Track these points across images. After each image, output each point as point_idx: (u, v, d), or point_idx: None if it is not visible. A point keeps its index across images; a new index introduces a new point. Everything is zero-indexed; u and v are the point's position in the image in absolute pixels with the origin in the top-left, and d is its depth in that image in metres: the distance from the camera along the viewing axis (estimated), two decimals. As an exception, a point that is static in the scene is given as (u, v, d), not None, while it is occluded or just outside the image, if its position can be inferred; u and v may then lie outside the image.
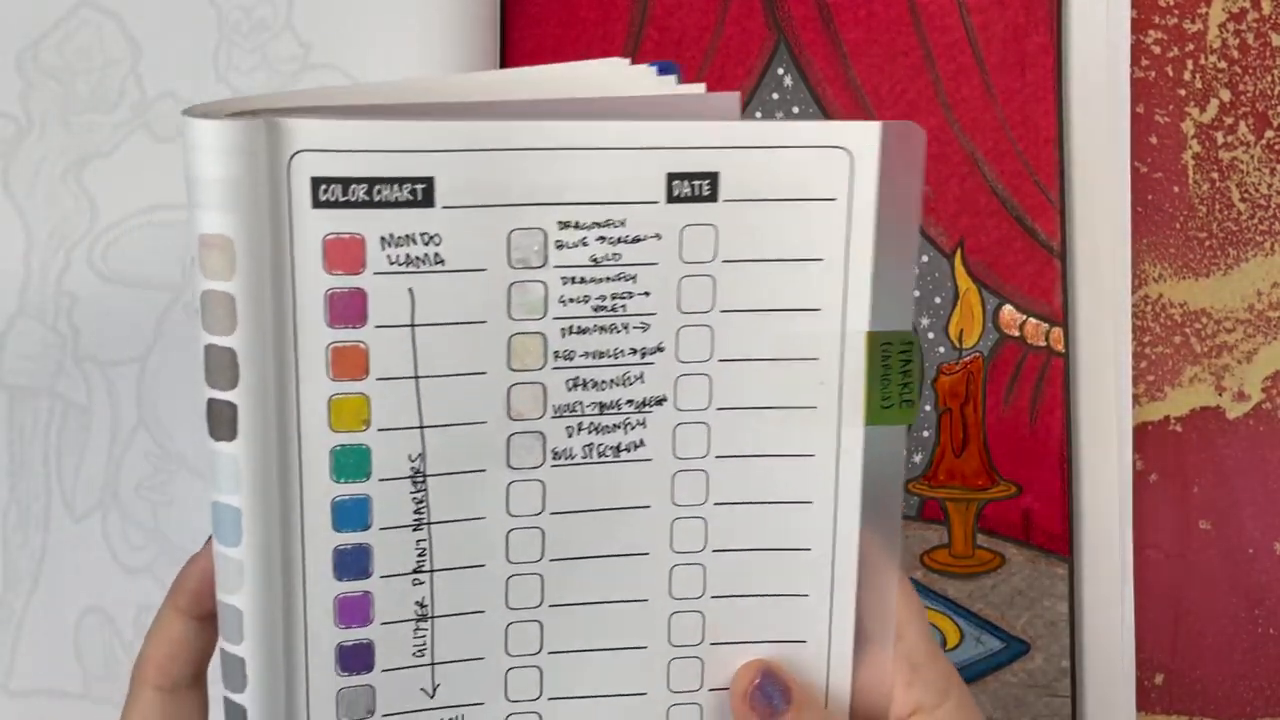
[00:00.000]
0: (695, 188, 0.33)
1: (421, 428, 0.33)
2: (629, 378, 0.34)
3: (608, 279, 0.33)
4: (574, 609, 0.35)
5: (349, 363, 0.32)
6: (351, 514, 0.33)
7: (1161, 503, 0.49)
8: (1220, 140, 0.49)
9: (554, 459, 0.34)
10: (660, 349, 0.34)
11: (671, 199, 0.33)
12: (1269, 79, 0.49)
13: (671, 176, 0.33)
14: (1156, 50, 0.49)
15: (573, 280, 0.33)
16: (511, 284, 0.33)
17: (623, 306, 0.34)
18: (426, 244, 0.32)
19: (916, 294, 0.47)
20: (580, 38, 0.48)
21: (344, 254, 0.32)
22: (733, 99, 0.35)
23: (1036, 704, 0.47)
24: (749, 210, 0.34)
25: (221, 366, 0.31)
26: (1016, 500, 0.47)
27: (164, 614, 0.33)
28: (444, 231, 0.32)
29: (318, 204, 0.31)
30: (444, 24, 0.45)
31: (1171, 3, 0.49)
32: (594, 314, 0.33)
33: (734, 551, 0.35)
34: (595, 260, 0.33)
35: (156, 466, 0.46)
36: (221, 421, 0.31)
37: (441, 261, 0.32)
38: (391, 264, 0.32)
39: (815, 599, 0.35)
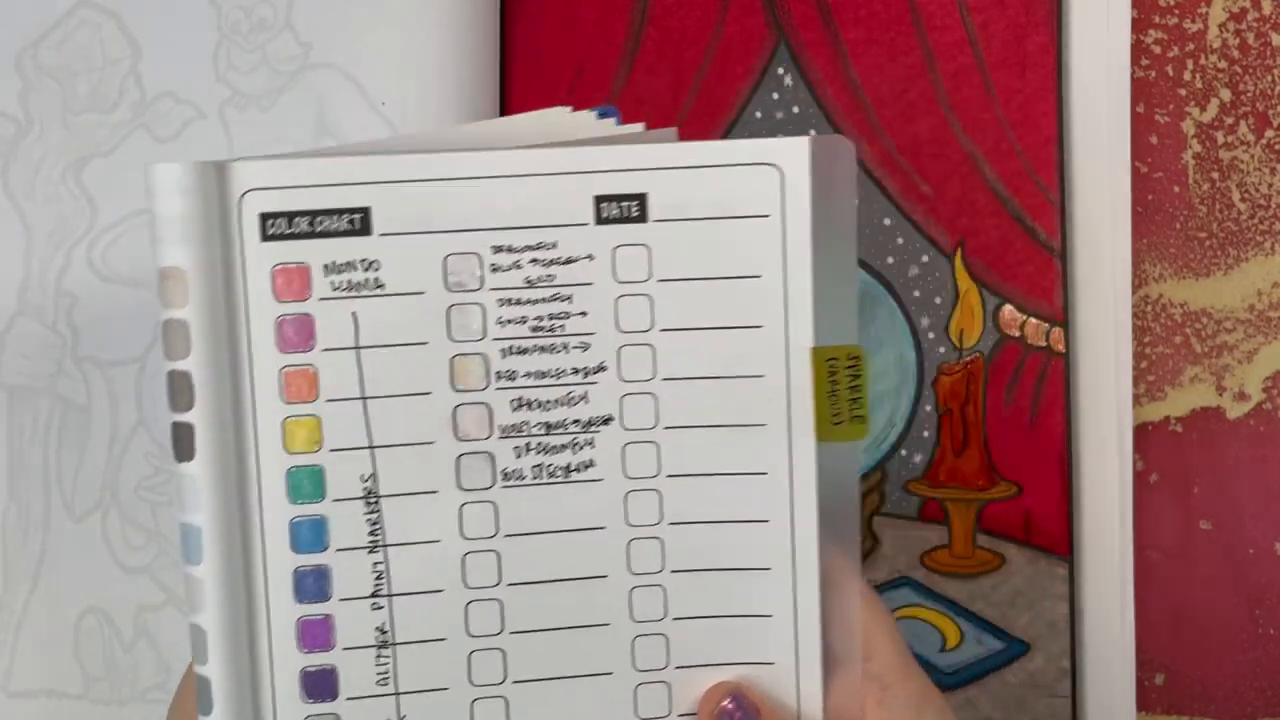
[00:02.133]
0: (624, 209, 0.34)
1: (372, 448, 0.34)
2: (573, 397, 0.35)
3: (543, 300, 0.35)
4: (536, 635, 0.35)
5: (300, 385, 0.34)
6: (309, 535, 0.34)
7: (1162, 503, 0.49)
8: (1220, 140, 0.49)
9: (504, 480, 0.35)
10: (603, 368, 0.35)
11: (600, 220, 0.34)
12: (1269, 79, 0.49)
13: (599, 199, 0.34)
14: (1157, 50, 0.49)
15: (509, 302, 0.35)
16: (450, 306, 0.34)
17: (561, 326, 0.35)
18: (366, 269, 0.34)
19: (917, 294, 0.47)
20: (580, 38, 0.48)
21: (291, 282, 0.34)
22: (670, 134, 0.36)
23: (1037, 704, 0.47)
24: (681, 229, 0.34)
25: (180, 390, 0.33)
26: (1017, 500, 0.47)
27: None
28: (383, 257, 0.34)
29: (266, 237, 0.34)
30: (444, 24, 0.45)
31: (1171, 3, 0.49)
32: (533, 334, 0.35)
33: (693, 572, 0.35)
34: (530, 282, 0.35)
35: (156, 467, 0.46)
36: (182, 442, 0.33)
37: (381, 286, 0.34)
38: (335, 289, 0.34)
39: (780, 619, 0.35)
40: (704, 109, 0.48)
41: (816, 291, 0.35)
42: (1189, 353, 0.49)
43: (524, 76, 0.48)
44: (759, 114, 0.47)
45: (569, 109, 0.36)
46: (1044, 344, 0.47)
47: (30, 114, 0.45)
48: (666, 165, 0.34)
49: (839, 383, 0.35)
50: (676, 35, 0.48)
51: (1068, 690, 0.47)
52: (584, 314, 0.35)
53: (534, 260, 0.35)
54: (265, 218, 0.34)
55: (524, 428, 0.35)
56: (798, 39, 0.48)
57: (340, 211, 0.34)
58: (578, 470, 0.35)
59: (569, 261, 0.35)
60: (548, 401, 0.35)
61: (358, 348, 0.34)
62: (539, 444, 0.35)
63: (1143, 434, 0.49)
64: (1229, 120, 0.49)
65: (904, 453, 0.47)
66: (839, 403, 0.35)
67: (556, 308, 0.35)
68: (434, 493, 0.35)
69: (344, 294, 0.34)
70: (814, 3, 0.48)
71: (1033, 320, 0.47)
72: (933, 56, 0.47)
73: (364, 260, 0.34)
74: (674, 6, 0.48)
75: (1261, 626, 0.49)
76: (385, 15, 0.45)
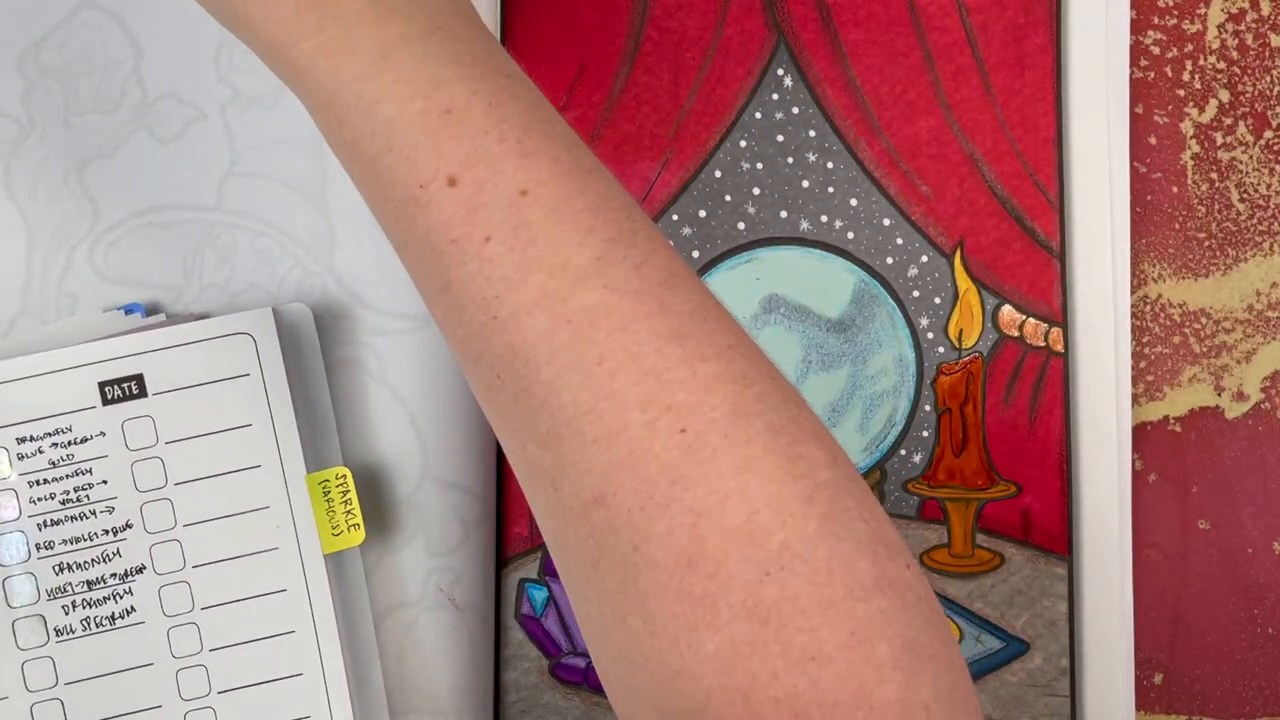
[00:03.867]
0: (125, 389, 0.41)
1: None
2: (108, 554, 0.41)
3: (67, 476, 0.41)
4: None
5: None
6: None
7: (1161, 502, 0.49)
8: (1219, 140, 0.49)
9: (58, 636, 0.41)
10: (129, 525, 0.41)
11: (106, 402, 0.41)
12: (1268, 79, 0.49)
13: (102, 384, 0.41)
14: (1156, 51, 0.49)
15: (38, 483, 0.41)
16: None
17: (87, 496, 0.41)
18: None
19: (916, 294, 0.47)
20: (580, 38, 0.48)
21: None
22: (189, 319, 0.43)
23: (1036, 704, 0.47)
24: (177, 398, 0.41)
25: None
26: (1016, 500, 0.47)
27: None
28: None
29: None
30: (444, 25, 0.45)
31: (1171, 3, 0.49)
32: (63, 506, 0.41)
33: (237, 690, 0.41)
34: (53, 463, 0.41)
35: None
36: None
37: None
38: None
39: (316, 715, 0.42)
40: (704, 109, 0.48)
41: (302, 429, 0.42)
42: (1188, 353, 0.49)
43: (524, 77, 0.48)
44: (759, 114, 0.48)
45: (99, 309, 0.43)
46: (1043, 344, 0.47)
47: (32, 115, 0.45)
48: (156, 347, 0.41)
49: (334, 500, 0.41)
50: (676, 35, 0.48)
51: (1067, 689, 0.47)
52: (105, 482, 0.41)
53: (54, 444, 0.41)
54: None
55: (68, 588, 0.41)
56: (797, 40, 0.48)
57: None
58: (122, 617, 0.41)
59: (84, 440, 0.41)
60: (86, 562, 0.41)
61: None
62: (84, 599, 0.41)
63: (1141, 434, 0.49)
64: (1228, 121, 0.49)
65: (903, 452, 0.47)
66: (336, 517, 0.42)
67: (80, 481, 0.41)
68: None
69: None
70: (814, 3, 0.48)
71: (1032, 320, 0.47)
72: (932, 57, 0.47)
73: None
74: (674, 6, 0.48)
75: (1260, 626, 0.49)
76: (386, 16, 0.45)
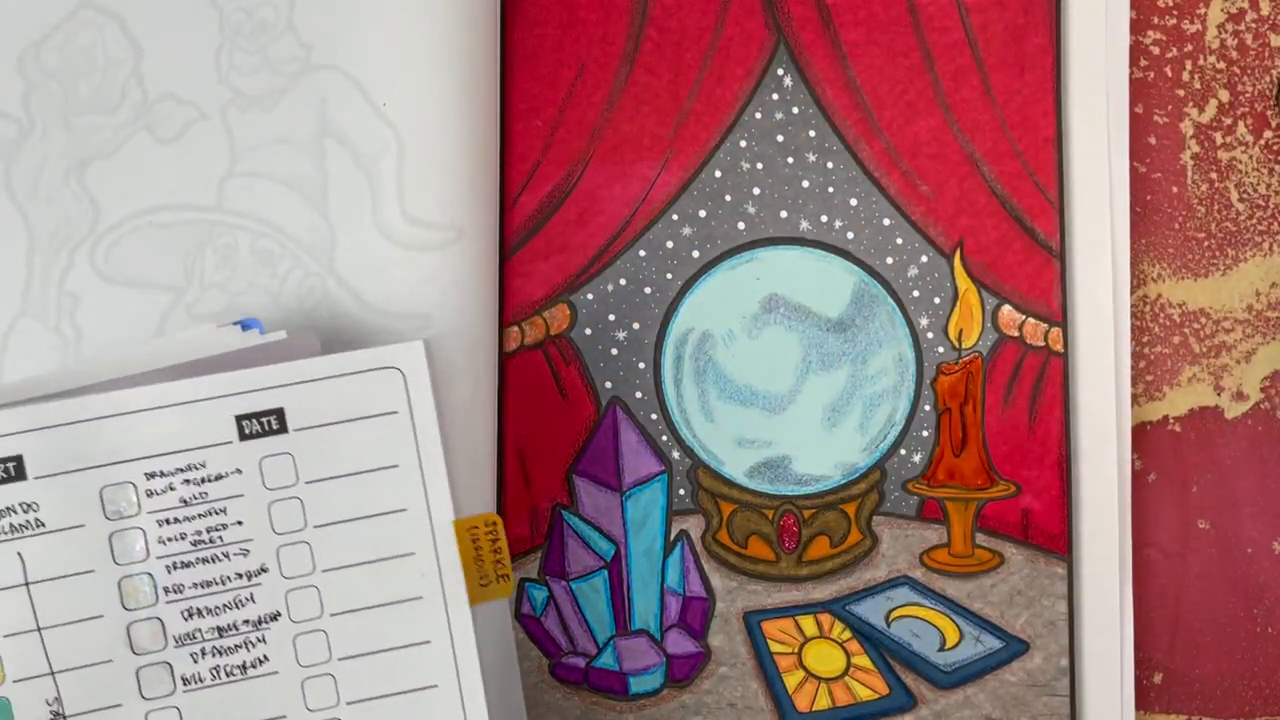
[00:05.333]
0: (264, 424, 0.38)
1: (53, 674, 0.37)
2: (240, 600, 0.38)
3: (199, 515, 0.38)
4: None
5: None
6: None
7: (1160, 502, 0.49)
8: (1219, 140, 0.49)
9: (185, 685, 0.38)
10: (264, 569, 0.38)
11: (244, 437, 0.38)
12: (1268, 79, 0.49)
13: (240, 418, 0.38)
14: (1155, 51, 0.49)
15: (167, 521, 0.38)
16: (111, 534, 0.38)
17: (220, 538, 0.38)
18: (26, 512, 0.37)
19: (916, 294, 0.47)
20: (580, 38, 0.48)
21: None
22: (310, 335, 0.40)
23: (1036, 703, 0.47)
24: (320, 435, 0.38)
25: None
26: (1016, 500, 0.47)
27: None
28: (40, 499, 0.37)
29: None
30: (445, 25, 0.45)
31: (1170, 3, 0.49)
32: (194, 548, 0.38)
33: None
34: (185, 501, 0.38)
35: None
36: None
37: (43, 525, 0.37)
38: None
39: None
40: (704, 109, 0.48)
41: (451, 472, 0.39)
42: (1187, 353, 0.49)
43: (524, 76, 0.48)
44: (759, 114, 0.48)
45: (213, 325, 0.41)
46: (1043, 344, 0.47)
47: (32, 115, 0.45)
48: (299, 380, 0.38)
49: (482, 549, 0.39)
50: (676, 35, 0.48)
51: (1066, 689, 0.47)
52: (240, 523, 0.38)
53: (186, 481, 0.38)
54: None
55: (197, 634, 0.38)
56: (797, 40, 0.48)
57: None
58: (254, 666, 0.38)
59: (219, 478, 0.38)
60: (217, 607, 0.38)
61: (27, 584, 0.37)
62: (214, 647, 0.38)
63: (1141, 433, 0.49)
64: (1227, 121, 0.49)
65: (903, 452, 0.48)
66: (485, 567, 0.39)
67: (213, 521, 0.38)
68: (118, 706, 0.38)
69: (7, 537, 0.37)
70: (814, 3, 0.48)
71: (1031, 320, 0.47)
72: (932, 57, 0.48)
73: (22, 504, 0.37)
74: (674, 7, 0.48)
75: (1260, 625, 0.49)
76: (386, 16, 0.45)
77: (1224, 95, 0.49)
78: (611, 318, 0.47)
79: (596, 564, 0.47)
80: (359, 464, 0.39)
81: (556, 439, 0.47)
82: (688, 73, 0.48)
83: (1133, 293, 0.49)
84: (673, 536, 0.47)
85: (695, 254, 0.48)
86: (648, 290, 0.47)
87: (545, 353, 0.47)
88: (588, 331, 0.47)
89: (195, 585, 0.38)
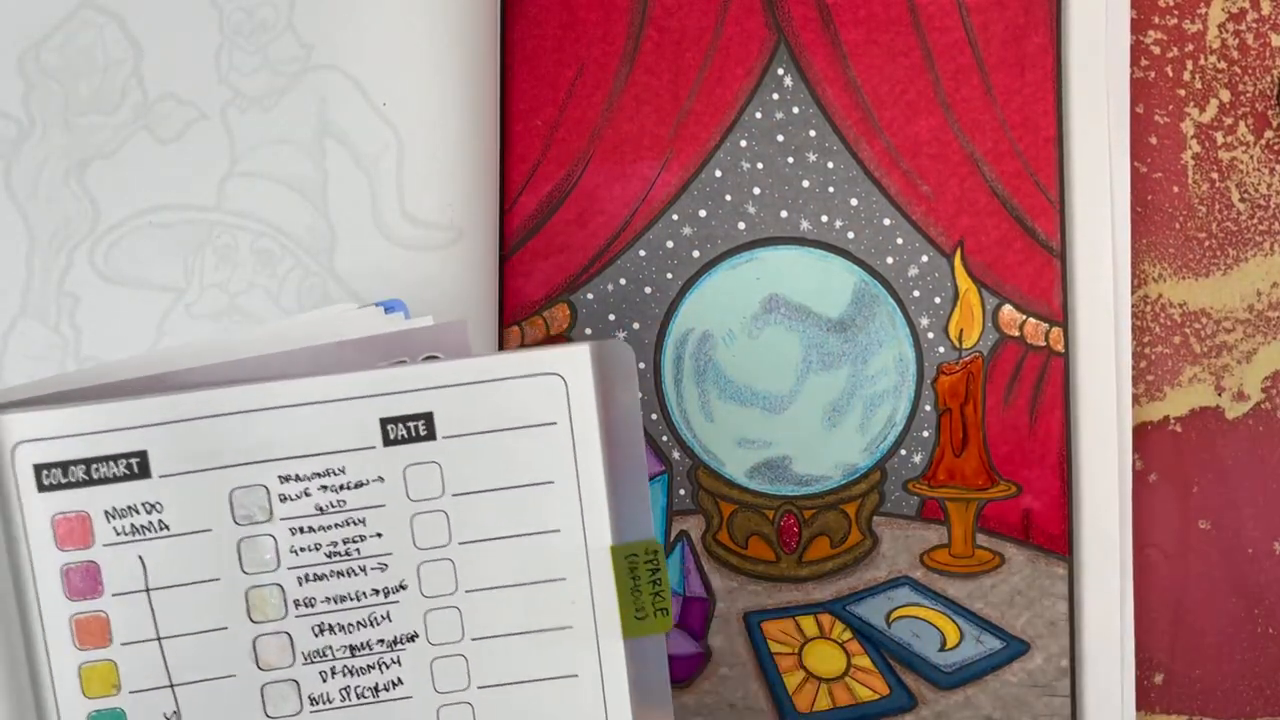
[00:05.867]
0: (411, 429, 0.35)
1: (172, 686, 0.35)
2: (375, 618, 0.35)
3: (336, 525, 0.35)
4: None
5: (92, 632, 0.34)
6: None
7: (1161, 503, 0.49)
8: (1220, 140, 0.49)
9: (312, 705, 0.35)
10: (403, 586, 0.35)
11: (388, 442, 0.35)
12: (1269, 79, 0.49)
13: (385, 421, 0.35)
14: (1156, 50, 0.49)
15: (301, 530, 0.35)
16: (240, 540, 0.35)
17: (357, 550, 0.35)
18: (149, 512, 0.34)
19: (916, 294, 0.47)
20: (580, 38, 0.48)
21: (73, 531, 0.34)
22: (460, 327, 0.36)
23: (1036, 704, 0.47)
24: (471, 443, 0.35)
25: None
26: (1016, 500, 0.47)
27: None
28: (164, 499, 0.34)
29: (43, 488, 0.34)
30: (445, 24, 0.45)
31: (1171, 3, 0.49)
32: (329, 560, 0.35)
33: None
34: (321, 509, 0.35)
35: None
36: None
37: (166, 527, 0.34)
38: (119, 535, 0.34)
39: None
40: (704, 109, 0.48)
41: (611, 491, 0.36)
42: (1188, 353, 0.49)
43: (524, 76, 0.48)
44: (759, 114, 0.48)
45: (354, 305, 0.37)
46: (1043, 344, 0.47)
47: (32, 115, 0.45)
48: (450, 383, 0.35)
49: (640, 578, 0.36)
50: (676, 35, 0.48)
51: (1067, 689, 0.47)
52: (379, 535, 0.35)
53: (323, 487, 0.35)
54: (39, 469, 0.34)
55: (327, 652, 0.35)
56: (798, 39, 0.48)
57: (116, 457, 0.34)
58: (386, 689, 0.35)
59: (359, 485, 0.35)
60: (350, 624, 0.35)
61: (148, 590, 0.35)
62: (344, 666, 0.35)
63: (1142, 434, 0.49)
64: (1228, 121, 0.49)
65: (903, 452, 0.48)
66: (642, 598, 0.36)
67: (350, 532, 0.35)
68: None
69: (129, 538, 0.34)
70: (814, 3, 0.48)
71: (1032, 320, 0.47)
72: (932, 57, 0.47)
73: (146, 503, 0.34)
74: (674, 6, 0.48)
75: (1260, 626, 0.49)
76: (386, 16, 0.45)
77: (1225, 95, 0.49)
78: (611, 318, 0.47)
79: (596, 564, 0.47)
80: (511, 478, 0.35)
81: (556, 439, 0.47)
82: (688, 73, 0.48)
83: (1133, 293, 0.49)
84: (673, 537, 0.47)
85: (695, 254, 0.47)
86: (648, 290, 0.47)
87: (545, 353, 0.47)
88: (588, 331, 0.47)
89: (328, 599, 0.35)
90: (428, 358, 0.37)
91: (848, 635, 0.47)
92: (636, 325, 0.47)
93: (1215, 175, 0.49)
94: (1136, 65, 0.49)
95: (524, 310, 0.47)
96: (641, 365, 0.47)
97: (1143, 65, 0.49)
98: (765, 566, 0.48)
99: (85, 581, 0.34)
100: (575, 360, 0.35)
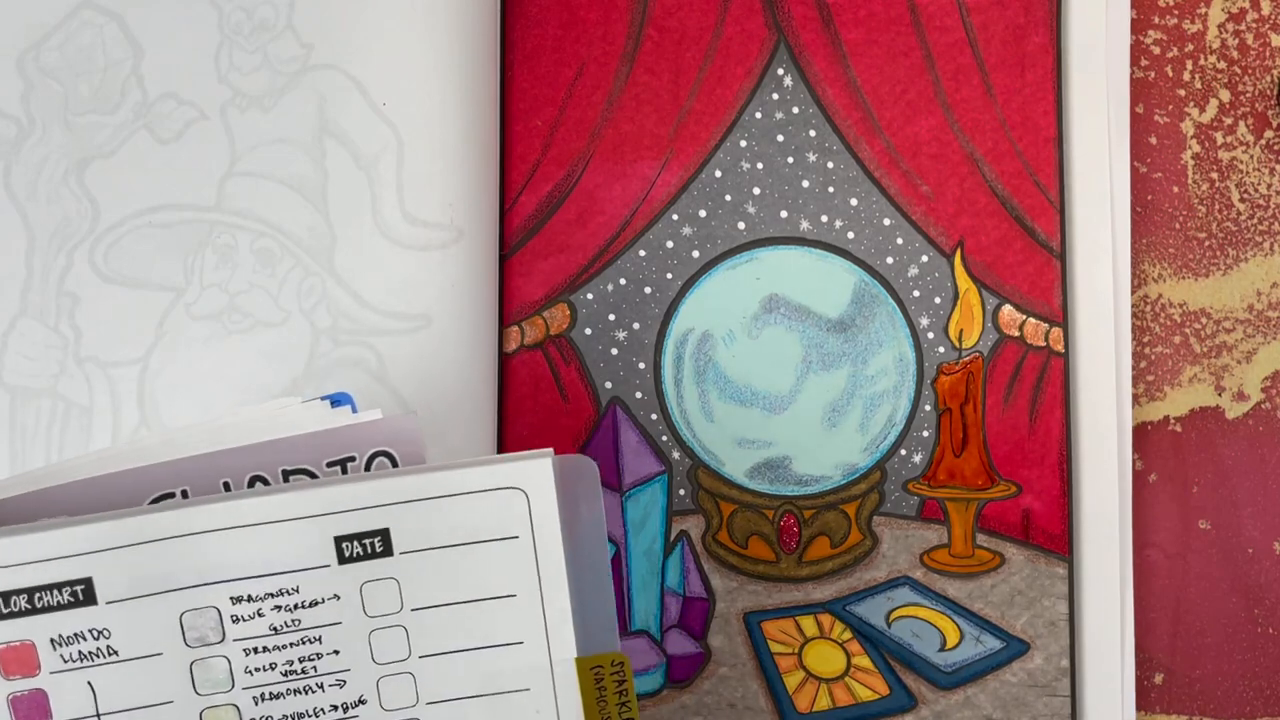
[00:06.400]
0: (367, 546, 0.34)
1: None
2: None
3: (291, 644, 0.34)
4: None
5: None
6: None
7: (1161, 502, 0.49)
8: (1220, 140, 0.49)
9: None
10: (362, 701, 0.34)
11: (343, 560, 0.34)
12: (1269, 79, 0.49)
13: (339, 539, 0.34)
14: (1156, 50, 0.49)
15: (255, 650, 0.34)
16: (193, 662, 0.34)
17: (313, 668, 0.34)
18: (97, 639, 0.33)
19: (916, 294, 0.47)
20: (580, 38, 0.48)
21: (18, 659, 0.33)
22: (411, 420, 0.35)
23: (1036, 704, 0.47)
24: (430, 559, 0.34)
25: None
26: (1016, 500, 0.47)
27: None
28: (112, 625, 0.33)
29: None
30: (445, 24, 0.45)
31: (1171, 3, 0.49)
32: (284, 678, 0.34)
33: None
34: (275, 629, 0.34)
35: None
36: None
37: (115, 653, 0.34)
38: (66, 662, 0.33)
39: None
40: (704, 109, 0.48)
41: (575, 603, 0.35)
42: (1188, 353, 0.49)
43: (524, 76, 0.48)
44: (759, 114, 0.48)
45: (298, 399, 0.36)
46: (1043, 344, 0.47)
47: (32, 115, 0.45)
48: (407, 499, 0.34)
49: (606, 689, 0.35)
50: (676, 35, 0.48)
51: (1067, 689, 0.47)
52: (336, 652, 0.34)
53: (277, 607, 0.34)
54: None
55: None
56: (798, 39, 0.48)
57: (60, 585, 0.33)
58: None
59: (314, 604, 0.34)
60: None
61: (98, 715, 0.34)
62: None
63: (1142, 434, 0.49)
64: (1228, 121, 0.49)
65: (903, 452, 0.48)
66: (608, 708, 0.35)
67: (306, 650, 0.34)
68: None
69: (76, 665, 0.34)
70: (814, 3, 0.48)
71: (1032, 320, 0.47)
72: (932, 57, 0.47)
73: (93, 630, 0.34)
74: (674, 6, 0.48)
75: (1260, 626, 0.49)
76: (386, 16, 0.45)
77: (1225, 95, 0.49)
78: (611, 318, 0.47)
79: (596, 564, 0.47)
80: (472, 592, 0.35)
81: (556, 439, 0.47)
82: (688, 73, 0.48)
83: (1133, 293, 0.49)
84: (673, 537, 0.47)
85: (695, 254, 0.47)
86: (648, 290, 0.47)
87: (545, 353, 0.47)
88: (588, 331, 0.47)
89: (285, 717, 0.34)
90: (378, 453, 0.36)
91: (848, 635, 0.47)
92: (636, 325, 0.47)
93: (1215, 175, 0.49)
94: (1136, 65, 0.49)
95: (524, 310, 0.47)
96: (641, 365, 0.47)
97: (1143, 65, 0.49)
98: (765, 566, 0.48)
99: (32, 711, 0.34)
100: (537, 474, 0.34)
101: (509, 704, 0.35)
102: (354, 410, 0.36)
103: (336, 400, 0.37)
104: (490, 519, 0.34)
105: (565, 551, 0.35)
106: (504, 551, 0.34)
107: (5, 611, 0.33)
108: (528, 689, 0.35)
